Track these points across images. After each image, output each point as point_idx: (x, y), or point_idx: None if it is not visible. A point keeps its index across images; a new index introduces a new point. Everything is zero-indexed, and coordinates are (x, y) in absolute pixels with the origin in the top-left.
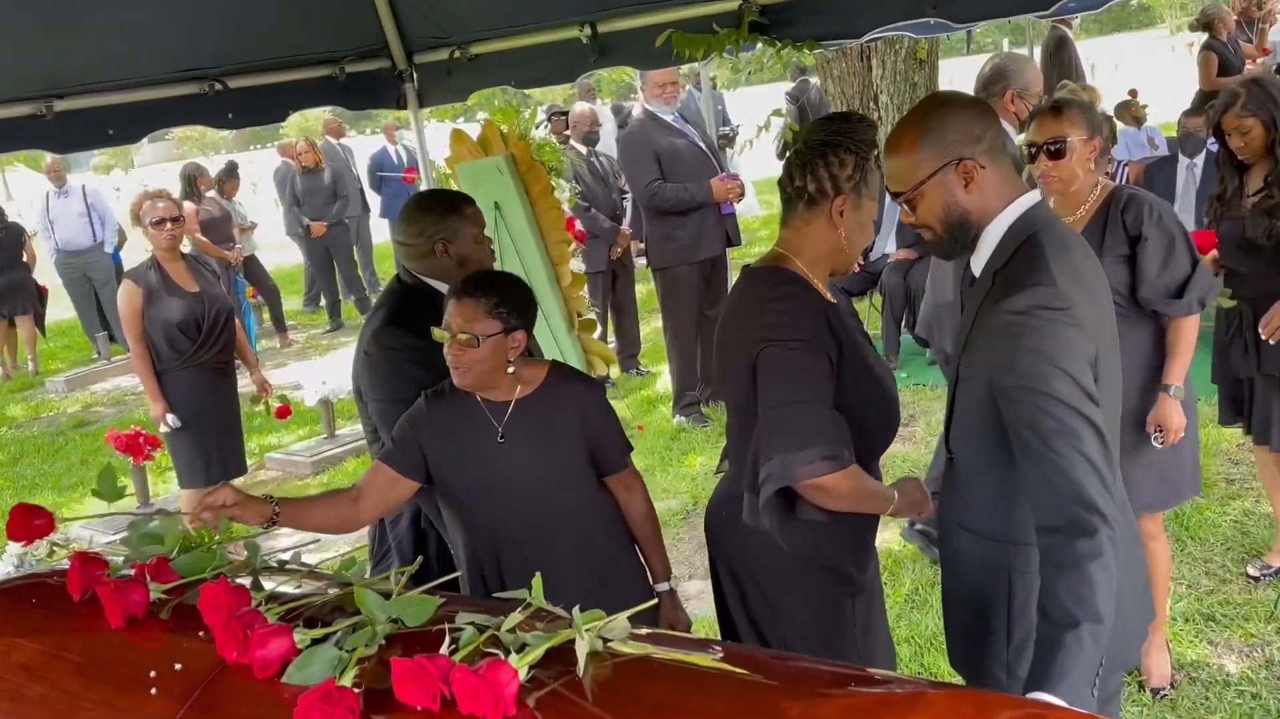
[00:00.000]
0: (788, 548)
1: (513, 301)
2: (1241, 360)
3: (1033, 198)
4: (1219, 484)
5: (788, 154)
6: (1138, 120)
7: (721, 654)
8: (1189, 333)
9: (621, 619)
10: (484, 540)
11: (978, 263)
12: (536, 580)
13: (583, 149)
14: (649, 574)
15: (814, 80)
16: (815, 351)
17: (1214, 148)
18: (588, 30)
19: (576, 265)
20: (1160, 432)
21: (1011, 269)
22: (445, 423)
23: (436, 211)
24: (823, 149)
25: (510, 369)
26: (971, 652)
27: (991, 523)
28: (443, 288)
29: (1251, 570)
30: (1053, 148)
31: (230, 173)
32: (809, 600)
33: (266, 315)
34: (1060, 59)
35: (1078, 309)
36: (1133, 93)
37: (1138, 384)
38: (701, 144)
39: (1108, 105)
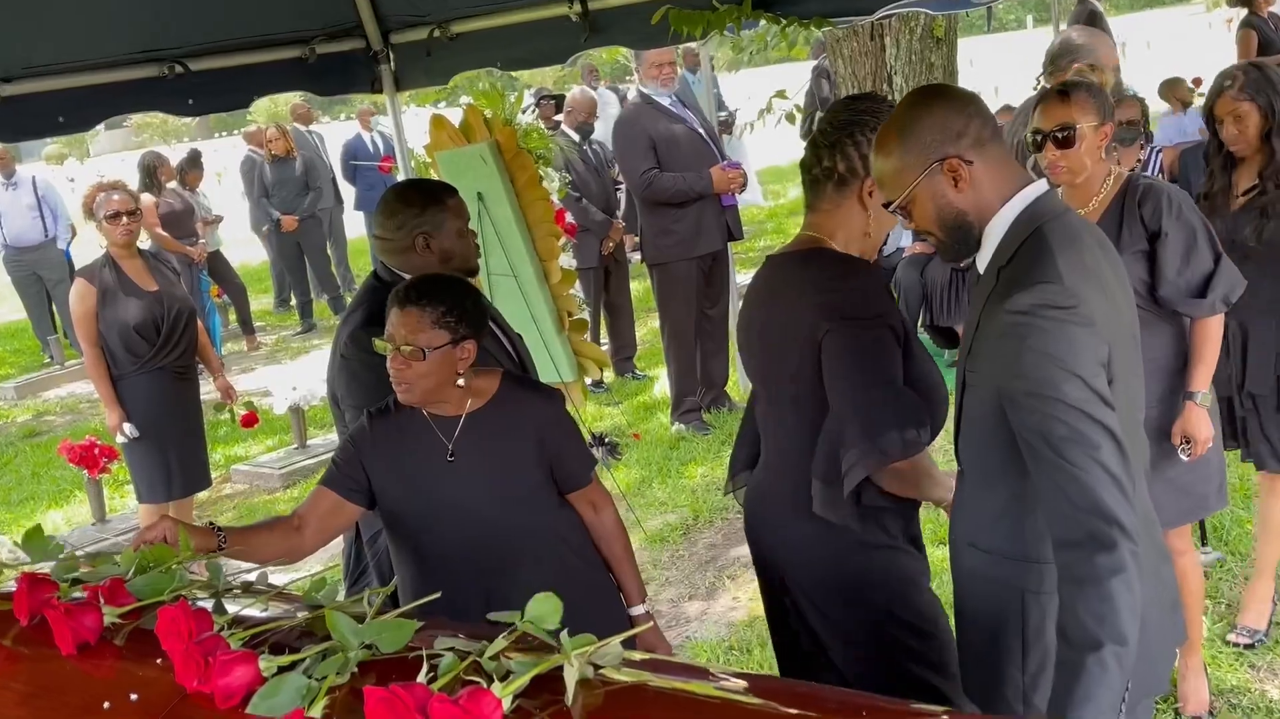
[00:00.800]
0: (863, 535)
1: (461, 309)
2: (1224, 377)
3: (1039, 187)
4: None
5: (812, 135)
6: (1184, 104)
7: (721, 682)
8: (1214, 335)
9: (614, 644)
10: (436, 570)
11: (982, 260)
12: (549, 601)
13: (575, 136)
14: (623, 597)
15: None
16: (889, 329)
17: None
18: (578, 7)
19: (566, 261)
20: (1187, 443)
21: (1015, 266)
22: (389, 442)
23: (416, 203)
24: (850, 128)
25: (460, 382)
26: (985, 678)
27: (1003, 539)
28: None
29: (1235, 638)
30: (1060, 135)
31: (193, 162)
32: (892, 598)
33: (232, 316)
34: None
35: (1087, 306)
36: (1196, 81)
37: (1157, 391)
38: (701, 130)
39: (1141, 86)
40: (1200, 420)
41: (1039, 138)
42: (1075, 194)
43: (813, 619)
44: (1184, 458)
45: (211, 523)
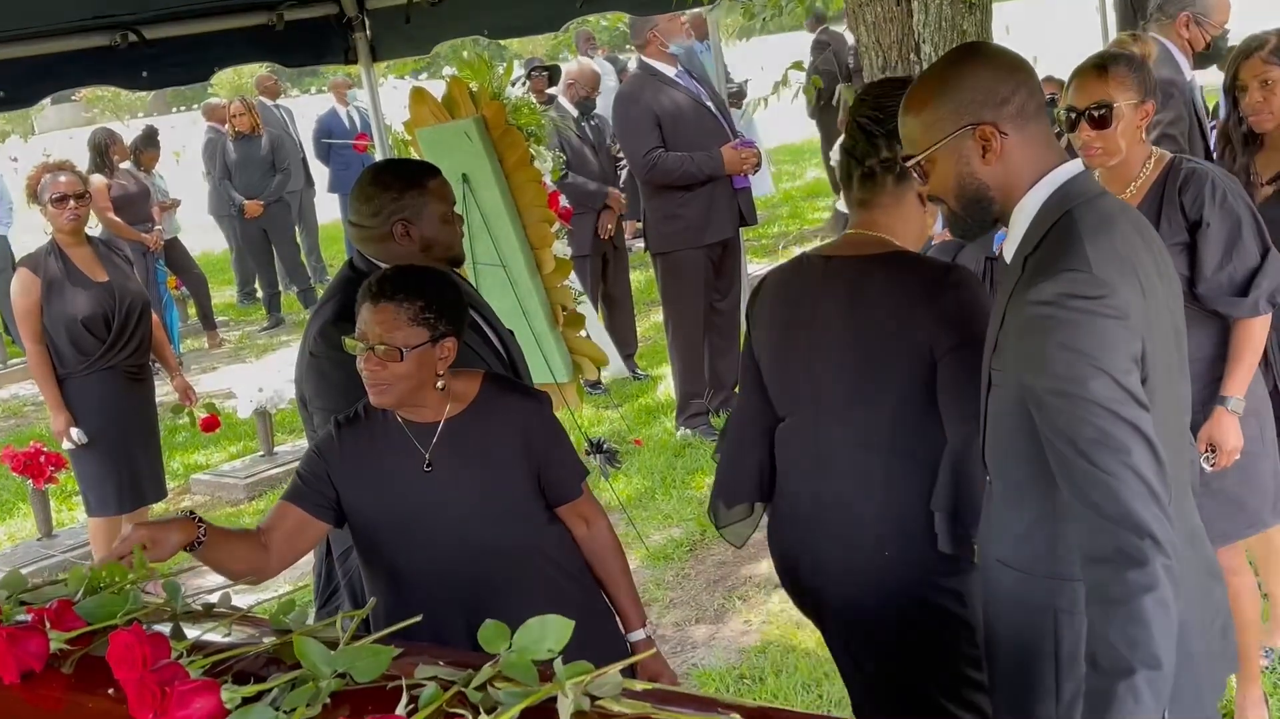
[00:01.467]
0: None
1: (441, 304)
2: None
3: (1073, 167)
4: None
5: (860, 122)
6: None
7: (730, 714)
8: (1256, 336)
9: (613, 673)
10: (413, 593)
11: (1009, 247)
12: (543, 625)
13: (574, 111)
14: (620, 622)
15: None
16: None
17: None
18: None
19: (561, 249)
20: (1213, 451)
21: (1043, 253)
22: (360, 452)
23: (395, 187)
24: None
25: (439, 384)
26: (1017, 705)
27: (1032, 555)
28: None
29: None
30: (1096, 113)
31: (148, 140)
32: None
33: (192, 310)
34: None
35: (1118, 297)
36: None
37: (1198, 396)
38: (710, 104)
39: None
40: (1229, 428)
41: (1073, 115)
42: (1112, 178)
43: (874, 656)
44: (1206, 467)
45: (192, 512)
